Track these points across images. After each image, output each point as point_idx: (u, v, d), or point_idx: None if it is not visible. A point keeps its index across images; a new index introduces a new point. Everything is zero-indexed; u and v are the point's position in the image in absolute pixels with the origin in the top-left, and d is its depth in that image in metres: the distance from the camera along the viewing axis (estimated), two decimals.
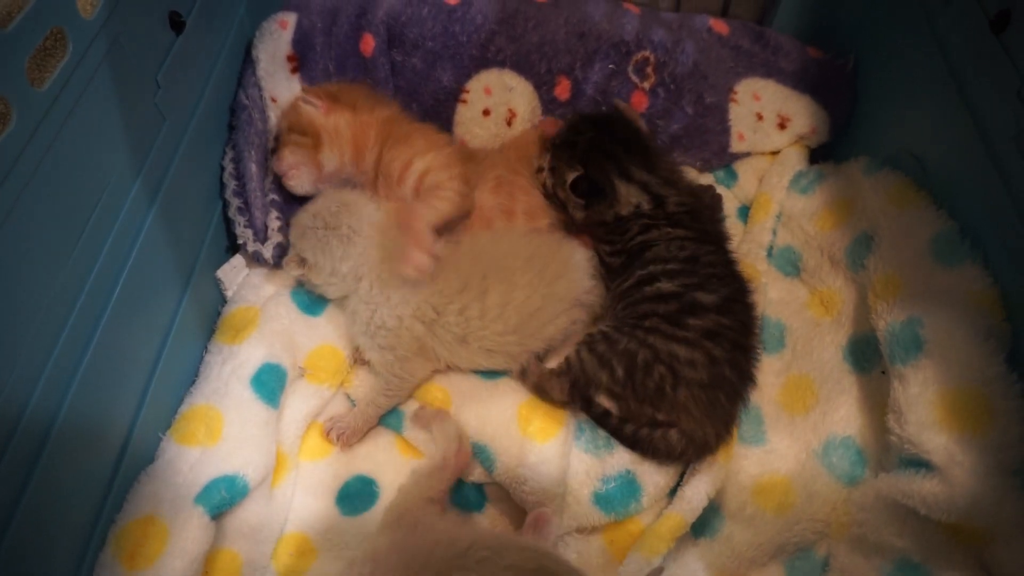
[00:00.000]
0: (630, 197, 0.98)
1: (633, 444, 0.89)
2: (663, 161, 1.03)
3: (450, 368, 0.98)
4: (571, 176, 1.00)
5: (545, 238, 1.01)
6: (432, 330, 0.95)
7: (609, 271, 0.99)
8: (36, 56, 0.81)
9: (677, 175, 1.03)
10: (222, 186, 1.04)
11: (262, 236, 1.02)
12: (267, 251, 1.01)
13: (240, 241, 1.02)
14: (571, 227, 1.06)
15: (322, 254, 0.96)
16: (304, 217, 0.99)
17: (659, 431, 0.88)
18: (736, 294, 0.92)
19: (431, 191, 1.01)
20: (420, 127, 1.09)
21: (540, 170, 1.06)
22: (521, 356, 0.95)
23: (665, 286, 0.90)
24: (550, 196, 1.05)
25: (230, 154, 1.05)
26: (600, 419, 0.92)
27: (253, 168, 1.03)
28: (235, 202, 1.02)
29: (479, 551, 0.67)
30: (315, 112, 1.04)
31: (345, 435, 0.94)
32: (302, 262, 0.97)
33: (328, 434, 0.95)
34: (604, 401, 0.91)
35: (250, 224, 1.02)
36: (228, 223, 1.05)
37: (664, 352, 0.86)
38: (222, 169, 1.04)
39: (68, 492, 0.69)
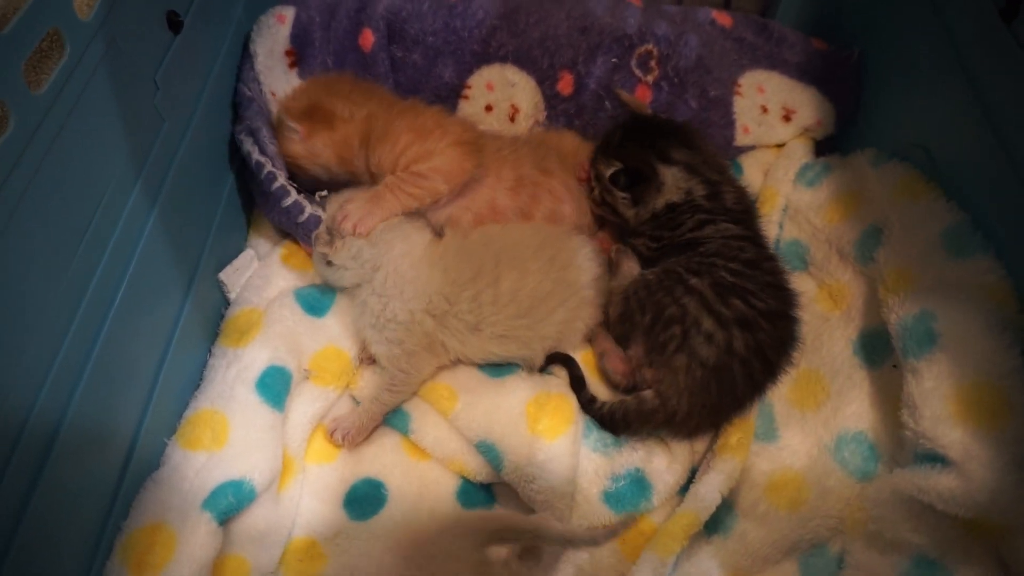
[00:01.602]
0: (677, 182, 0.97)
1: (611, 418, 0.90)
2: (702, 141, 1.03)
3: (458, 363, 0.98)
4: (609, 171, 0.99)
5: (554, 229, 1.02)
6: (443, 322, 0.95)
7: (644, 261, 0.98)
8: (33, 58, 0.80)
9: (719, 158, 1.03)
10: (256, 169, 1.02)
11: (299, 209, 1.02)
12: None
13: (294, 201, 1.01)
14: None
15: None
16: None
17: (632, 395, 0.89)
18: (784, 310, 0.90)
19: (409, 180, 0.99)
20: (402, 114, 1.04)
21: (592, 189, 1.05)
22: (532, 341, 0.96)
23: (724, 273, 0.88)
24: (601, 205, 1.04)
25: (249, 140, 1.03)
26: (587, 406, 0.92)
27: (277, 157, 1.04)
28: (280, 174, 1.02)
29: (441, 523, 0.69)
30: (296, 140, 1.03)
31: (350, 435, 0.93)
32: (331, 241, 0.96)
33: (332, 435, 0.94)
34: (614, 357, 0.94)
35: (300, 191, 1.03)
36: (247, 209, 1.08)
37: (691, 317, 0.86)
38: (248, 155, 1.02)
39: (74, 500, 0.69)
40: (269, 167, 1.01)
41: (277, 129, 1.06)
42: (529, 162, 1.06)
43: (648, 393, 0.88)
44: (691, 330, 0.86)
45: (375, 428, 0.96)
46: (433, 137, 1.00)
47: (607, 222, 1.08)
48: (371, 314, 0.95)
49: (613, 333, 0.98)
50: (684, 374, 0.86)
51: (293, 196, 1.01)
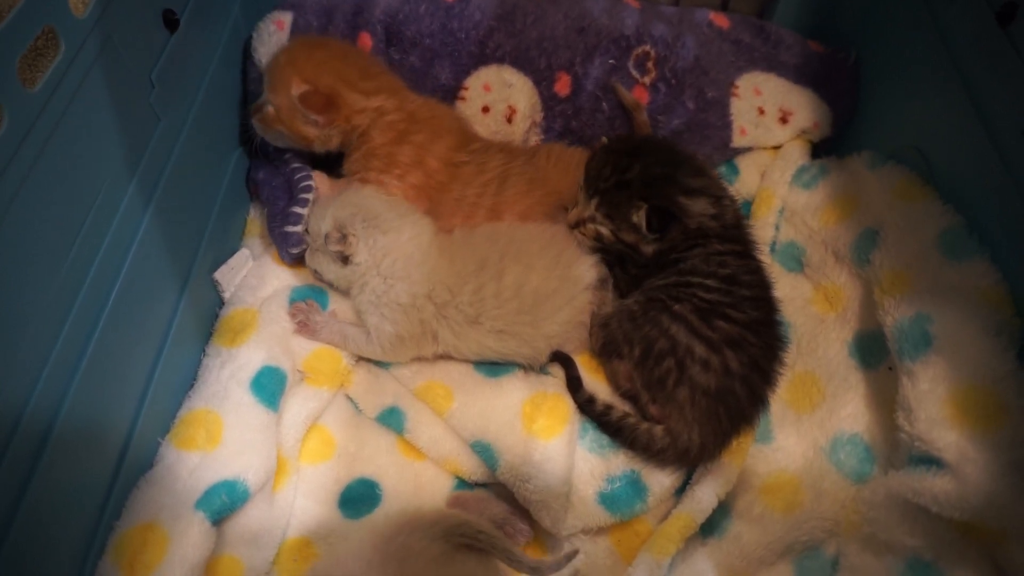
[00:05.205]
0: (697, 208, 0.93)
1: (616, 432, 0.89)
2: (704, 165, 1.01)
3: (447, 358, 0.98)
4: (640, 215, 0.93)
5: (560, 228, 1.01)
6: (443, 311, 0.94)
7: (631, 279, 0.96)
8: (27, 56, 0.80)
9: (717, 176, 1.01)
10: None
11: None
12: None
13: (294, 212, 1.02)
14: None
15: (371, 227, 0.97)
16: (357, 201, 0.99)
17: (645, 424, 0.88)
18: (767, 317, 0.89)
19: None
20: (413, 140, 1.05)
21: (581, 223, 0.99)
22: (534, 339, 0.95)
23: (701, 293, 0.88)
24: (609, 242, 0.98)
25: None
26: (584, 407, 0.92)
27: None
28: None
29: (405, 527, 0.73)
30: (312, 125, 1.03)
31: (306, 329, 0.96)
32: (343, 239, 0.95)
33: (294, 315, 0.97)
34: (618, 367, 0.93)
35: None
36: (243, 208, 1.09)
37: (682, 346, 0.85)
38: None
39: (67, 499, 0.68)
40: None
41: (284, 109, 1.02)
42: (485, 209, 1.05)
43: (658, 430, 0.87)
44: (685, 360, 0.85)
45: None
46: (398, 173, 1.04)
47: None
48: (371, 292, 0.95)
49: (599, 361, 0.98)
50: (690, 406, 0.85)
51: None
